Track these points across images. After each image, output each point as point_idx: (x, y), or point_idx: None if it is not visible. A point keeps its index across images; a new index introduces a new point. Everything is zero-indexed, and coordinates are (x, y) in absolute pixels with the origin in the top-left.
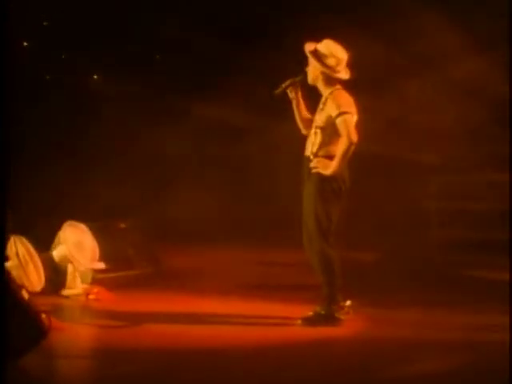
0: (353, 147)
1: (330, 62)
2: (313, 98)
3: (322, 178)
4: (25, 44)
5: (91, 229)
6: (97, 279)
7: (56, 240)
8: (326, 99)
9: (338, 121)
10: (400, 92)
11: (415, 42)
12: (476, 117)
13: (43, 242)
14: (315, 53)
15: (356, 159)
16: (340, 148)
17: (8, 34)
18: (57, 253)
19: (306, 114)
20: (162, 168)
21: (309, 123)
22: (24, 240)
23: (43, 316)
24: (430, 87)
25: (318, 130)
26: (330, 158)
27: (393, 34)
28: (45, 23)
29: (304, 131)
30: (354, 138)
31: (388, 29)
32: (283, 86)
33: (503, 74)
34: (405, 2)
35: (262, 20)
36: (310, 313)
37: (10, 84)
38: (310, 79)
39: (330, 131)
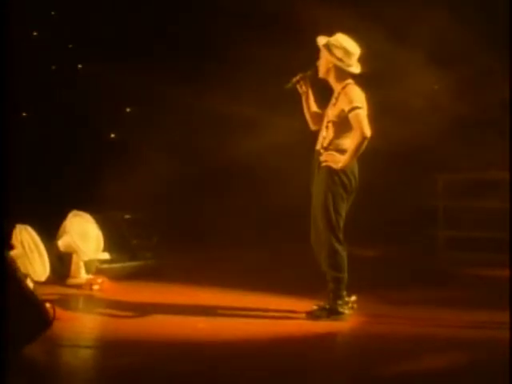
0: (366, 142)
1: (343, 55)
2: (320, 92)
3: (332, 172)
4: (34, 34)
5: (96, 219)
6: (101, 269)
7: (61, 229)
8: (339, 94)
9: (351, 115)
10: (407, 89)
11: (426, 40)
12: (482, 115)
13: (48, 232)
14: (327, 46)
15: (363, 156)
16: (353, 142)
17: (16, 24)
18: (62, 242)
19: (315, 108)
20: (165, 159)
21: (318, 118)
22: (29, 229)
23: (47, 305)
24: (437, 85)
25: (330, 124)
26: (341, 152)
27: (406, 31)
28: (52, 13)
29: (312, 127)
30: (368, 132)
31: (401, 26)
32: (293, 80)
33: (505, 73)
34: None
35: (264, 12)
36: (315, 307)
37: (16, 73)
38: (321, 73)
39: (342, 125)
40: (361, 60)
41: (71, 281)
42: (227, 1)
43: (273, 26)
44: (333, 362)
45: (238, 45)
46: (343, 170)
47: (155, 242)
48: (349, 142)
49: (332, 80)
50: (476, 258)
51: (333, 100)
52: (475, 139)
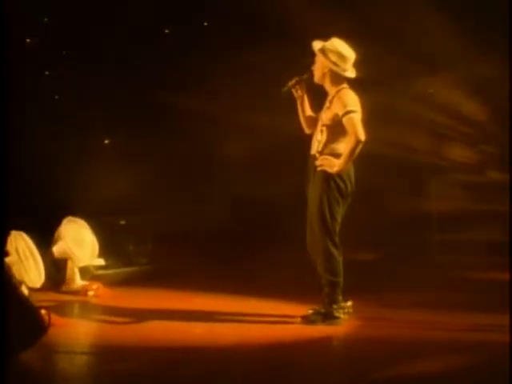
0: (360, 146)
1: (338, 59)
2: (315, 96)
3: (327, 177)
4: (28, 41)
5: (91, 225)
6: (96, 275)
7: (56, 235)
8: (333, 97)
9: (345, 119)
10: (401, 92)
11: (420, 42)
12: (477, 117)
13: (43, 238)
14: (323, 50)
15: (357, 159)
16: (347, 146)
17: (10, 30)
18: (56, 248)
19: (310, 112)
20: (163, 164)
21: (312, 122)
22: (24, 235)
23: (43, 312)
24: (432, 88)
25: (324, 128)
26: (336, 156)
27: (398, 34)
28: (45, 19)
29: (307, 130)
30: (362, 136)
31: (393, 28)
32: (289, 84)
33: (504, 74)
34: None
35: (263, 17)
36: (310, 311)
37: (10, 79)
38: (317, 78)
39: (337, 129)
40: (356, 64)
41: (66, 287)
42: (226, 7)
43: (268, 30)
44: (328, 366)
45: (237, 50)
46: (339, 175)
47: (150, 247)
48: (344, 146)
49: (327, 85)
50: (474, 260)
51: (327, 103)
52: (471, 142)
